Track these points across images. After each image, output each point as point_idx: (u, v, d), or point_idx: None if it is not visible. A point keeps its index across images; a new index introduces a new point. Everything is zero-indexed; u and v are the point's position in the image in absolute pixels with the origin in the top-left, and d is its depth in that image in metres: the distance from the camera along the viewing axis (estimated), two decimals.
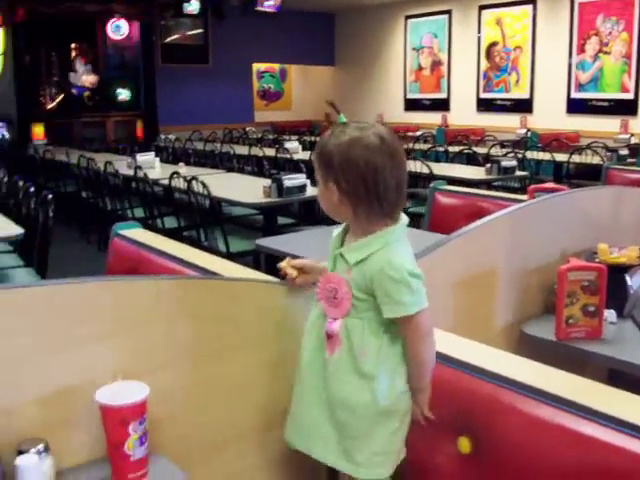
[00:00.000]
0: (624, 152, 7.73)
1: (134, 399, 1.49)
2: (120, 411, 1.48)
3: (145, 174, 6.40)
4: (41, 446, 1.45)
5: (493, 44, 12.15)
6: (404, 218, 1.66)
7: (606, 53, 10.52)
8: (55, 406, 1.55)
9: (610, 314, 2.52)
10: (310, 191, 5.41)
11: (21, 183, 5.33)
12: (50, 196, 4.53)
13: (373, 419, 1.67)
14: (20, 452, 1.43)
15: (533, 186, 3.28)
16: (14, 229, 4.09)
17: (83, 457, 1.59)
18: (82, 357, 1.58)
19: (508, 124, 11.63)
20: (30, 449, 1.44)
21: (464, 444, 1.64)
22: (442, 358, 1.72)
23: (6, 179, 6.13)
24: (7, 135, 11.22)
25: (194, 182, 5.37)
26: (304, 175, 5.55)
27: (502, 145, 9.33)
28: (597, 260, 2.59)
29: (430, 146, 9.67)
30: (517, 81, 11.83)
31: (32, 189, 4.96)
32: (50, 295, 1.57)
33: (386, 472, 1.70)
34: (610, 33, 10.43)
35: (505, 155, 7.65)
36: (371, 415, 1.67)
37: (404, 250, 1.63)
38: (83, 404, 1.56)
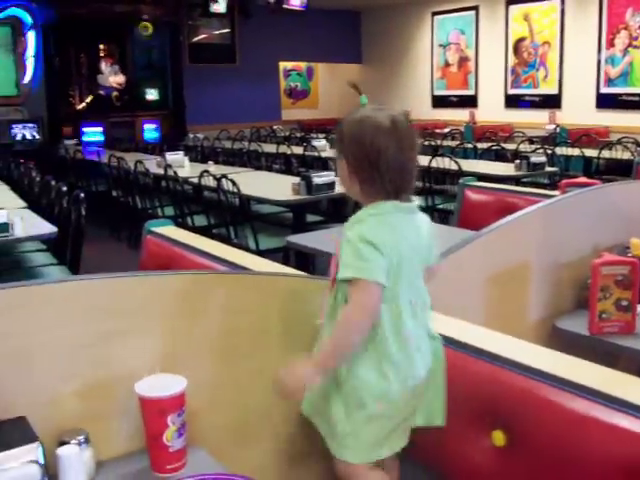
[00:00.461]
0: None
1: (173, 391, 1.51)
2: (159, 403, 1.50)
3: (175, 173, 6.45)
4: (82, 437, 1.49)
5: (521, 40, 12.06)
6: (400, 200, 1.66)
7: (636, 47, 10.38)
8: (95, 398, 1.58)
9: None
10: (339, 188, 5.42)
11: (53, 183, 5.40)
12: (82, 195, 4.58)
13: (340, 395, 1.69)
14: (62, 443, 1.46)
15: (565, 181, 3.26)
16: (47, 228, 4.15)
17: (122, 448, 1.62)
18: (120, 350, 1.62)
19: (536, 120, 11.54)
20: (71, 440, 1.47)
21: (498, 437, 1.64)
22: (476, 352, 1.73)
23: (38, 179, 6.21)
24: (38, 136, 11.35)
25: (224, 180, 5.40)
26: (333, 173, 5.55)
27: (531, 141, 9.26)
28: (630, 254, 2.58)
29: (458, 143, 9.62)
30: (545, 77, 11.73)
31: (64, 188, 5.03)
32: (88, 290, 1.60)
33: (354, 458, 1.70)
34: None
35: (534, 151, 7.59)
36: (339, 392, 1.69)
37: (379, 224, 1.62)
38: (122, 396, 1.59)
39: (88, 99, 12.03)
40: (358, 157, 1.63)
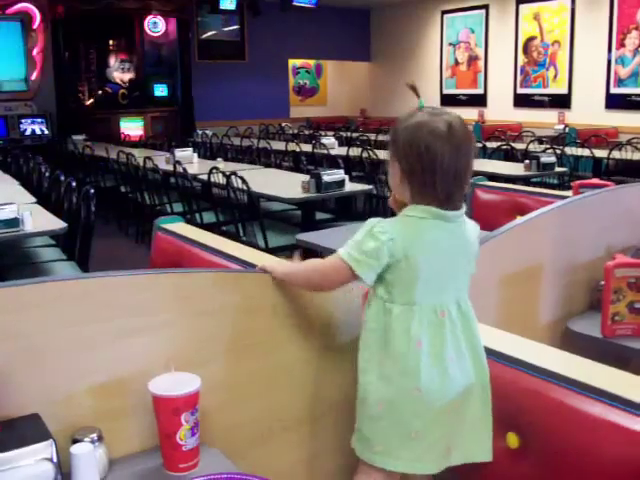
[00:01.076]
0: None
1: (187, 390, 1.51)
2: (173, 401, 1.50)
3: (184, 169, 6.44)
4: (95, 435, 1.48)
5: (531, 39, 12.03)
6: (449, 207, 1.62)
7: None
8: (109, 396, 1.58)
9: None
10: (348, 186, 5.42)
11: (62, 178, 5.40)
12: (92, 191, 4.58)
13: (359, 391, 1.71)
14: (75, 440, 1.46)
15: (578, 182, 3.25)
16: (57, 223, 4.15)
17: (135, 446, 1.62)
18: (134, 348, 1.61)
19: (546, 120, 11.52)
20: (84, 438, 1.47)
21: (512, 439, 1.64)
22: (490, 353, 1.72)
23: (48, 174, 6.22)
24: (47, 131, 11.37)
25: (233, 177, 5.40)
26: (342, 170, 5.56)
27: (540, 141, 9.24)
28: None
29: None
30: (555, 76, 11.70)
31: (74, 184, 5.02)
32: (103, 288, 1.59)
33: (361, 452, 1.71)
34: None
35: (544, 151, 7.57)
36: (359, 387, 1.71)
37: (403, 225, 1.62)
38: (136, 394, 1.59)
39: (97, 94, 12.05)
40: (412, 162, 1.60)
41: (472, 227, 1.73)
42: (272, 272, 1.80)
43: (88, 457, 1.41)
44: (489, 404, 1.70)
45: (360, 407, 1.70)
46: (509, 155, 8.32)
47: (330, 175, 5.28)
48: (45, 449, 1.34)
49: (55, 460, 1.35)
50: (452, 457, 1.70)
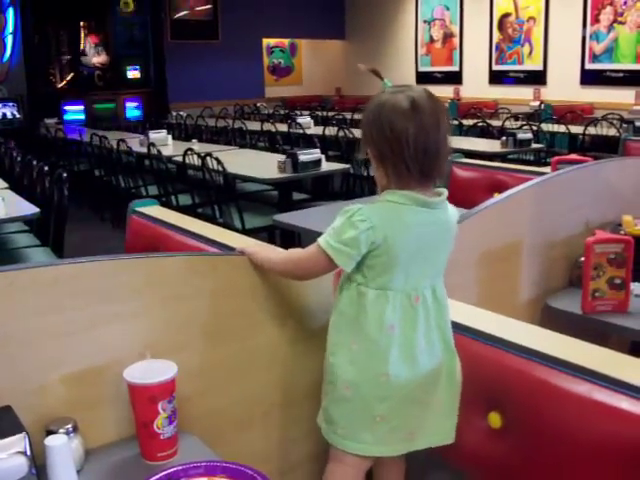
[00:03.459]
0: None
1: (163, 377, 1.47)
2: (149, 389, 1.46)
3: (159, 151, 6.37)
4: (70, 426, 1.45)
5: (506, 15, 11.99)
6: (427, 190, 1.58)
7: (621, 23, 10.35)
8: (83, 385, 1.54)
9: (636, 287, 2.49)
10: (325, 166, 5.38)
11: (35, 162, 5.31)
12: (65, 175, 4.51)
13: (327, 373, 1.69)
14: (49, 432, 1.42)
15: (557, 158, 3.24)
16: (30, 208, 4.08)
17: (111, 436, 1.59)
18: (108, 336, 1.57)
19: (521, 96, 11.52)
20: (59, 429, 1.43)
21: (494, 419, 1.62)
22: (471, 332, 1.70)
23: (19, 158, 6.12)
24: (18, 114, 11.21)
25: (208, 158, 5.34)
26: (318, 150, 5.52)
27: (516, 118, 9.24)
28: (622, 232, 2.56)
29: None
30: (530, 53, 11.68)
31: (46, 168, 4.95)
32: (75, 274, 1.55)
33: (325, 430, 1.70)
34: (625, 3, 10.25)
35: (520, 128, 7.58)
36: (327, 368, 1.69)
37: (383, 211, 1.56)
38: (111, 383, 1.56)
39: (69, 77, 11.89)
40: (380, 144, 1.56)
41: (454, 212, 1.69)
42: (251, 256, 1.77)
43: (63, 448, 1.37)
44: (456, 389, 1.69)
45: (327, 387, 1.68)
46: (485, 132, 8.32)
47: (306, 155, 5.24)
48: (18, 442, 1.31)
49: (29, 453, 1.31)
50: (415, 442, 1.68)
